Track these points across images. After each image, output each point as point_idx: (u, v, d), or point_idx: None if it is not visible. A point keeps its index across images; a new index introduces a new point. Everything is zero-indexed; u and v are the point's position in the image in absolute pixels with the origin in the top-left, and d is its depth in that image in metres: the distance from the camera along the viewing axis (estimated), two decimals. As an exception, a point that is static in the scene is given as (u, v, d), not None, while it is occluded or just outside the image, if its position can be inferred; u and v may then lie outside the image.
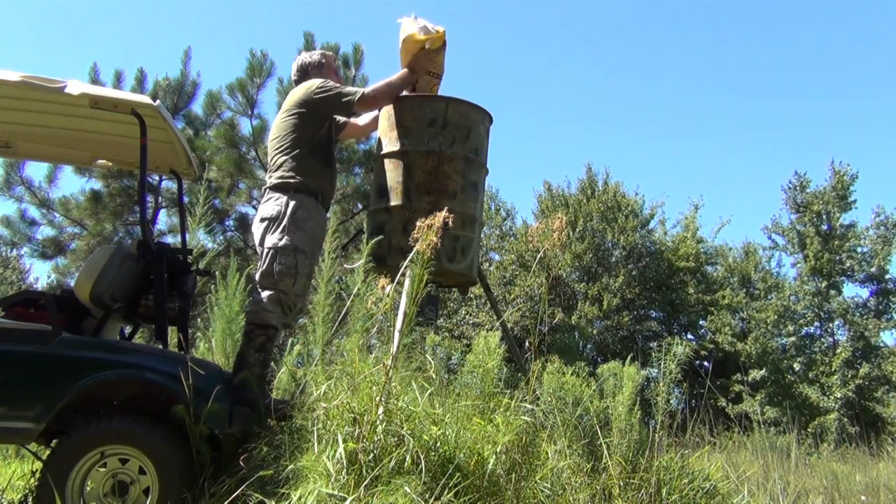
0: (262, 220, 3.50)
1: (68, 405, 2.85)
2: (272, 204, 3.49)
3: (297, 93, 3.69)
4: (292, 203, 3.45)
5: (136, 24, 49.02)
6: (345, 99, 3.58)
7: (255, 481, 2.54)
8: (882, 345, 15.46)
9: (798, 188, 16.85)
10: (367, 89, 3.64)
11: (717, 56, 36.29)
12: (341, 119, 4.15)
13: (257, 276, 3.42)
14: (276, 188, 3.53)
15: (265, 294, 3.35)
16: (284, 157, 3.56)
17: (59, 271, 10.52)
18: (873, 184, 24.34)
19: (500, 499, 2.55)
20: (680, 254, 17.31)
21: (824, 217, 16.37)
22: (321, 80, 3.69)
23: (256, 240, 3.53)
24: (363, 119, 4.17)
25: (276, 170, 3.57)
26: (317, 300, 3.65)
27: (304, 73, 3.88)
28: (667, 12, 38.02)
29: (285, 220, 3.41)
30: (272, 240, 3.40)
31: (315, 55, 3.92)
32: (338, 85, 3.69)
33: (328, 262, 3.68)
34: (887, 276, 16.09)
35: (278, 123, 3.69)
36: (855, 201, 16.25)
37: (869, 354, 15.19)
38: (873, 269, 15.94)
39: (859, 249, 16.20)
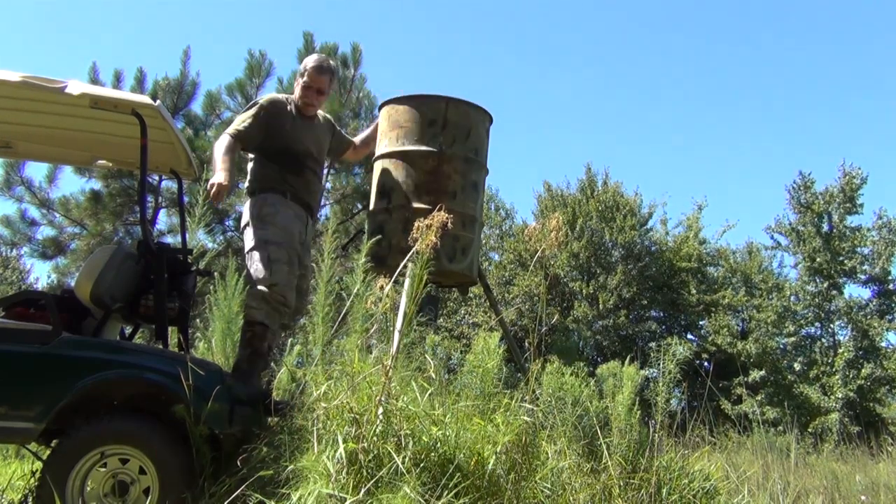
0: (241, 228, 3.70)
1: (68, 405, 2.85)
2: (244, 211, 3.68)
3: None
4: (256, 203, 3.60)
5: (136, 24, 49.02)
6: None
7: (255, 481, 2.54)
8: (888, 345, 15.41)
9: (802, 188, 16.82)
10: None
11: (719, 55, 36.29)
12: (345, 141, 4.19)
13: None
14: (247, 194, 3.74)
15: (250, 292, 3.48)
16: (249, 165, 3.79)
17: (59, 271, 10.51)
18: (873, 185, 24.39)
19: (500, 499, 2.54)
20: (682, 254, 17.27)
21: (826, 217, 16.35)
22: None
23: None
24: (359, 150, 4.22)
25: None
26: (317, 300, 3.64)
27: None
28: (668, 11, 38.04)
29: (252, 220, 3.56)
30: (246, 244, 3.57)
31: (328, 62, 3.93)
32: (243, 114, 3.76)
33: (328, 262, 3.68)
34: (890, 278, 16.03)
35: None
36: (862, 205, 16.17)
37: (871, 355, 15.17)
38: (876, 271, 15.90)
39: (860, 250, 16.14)
